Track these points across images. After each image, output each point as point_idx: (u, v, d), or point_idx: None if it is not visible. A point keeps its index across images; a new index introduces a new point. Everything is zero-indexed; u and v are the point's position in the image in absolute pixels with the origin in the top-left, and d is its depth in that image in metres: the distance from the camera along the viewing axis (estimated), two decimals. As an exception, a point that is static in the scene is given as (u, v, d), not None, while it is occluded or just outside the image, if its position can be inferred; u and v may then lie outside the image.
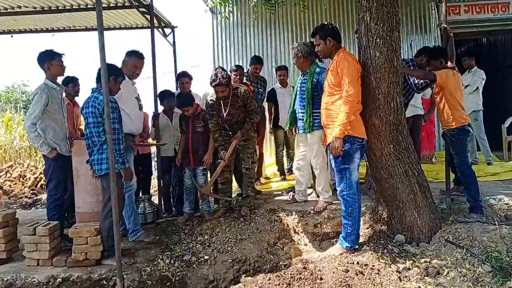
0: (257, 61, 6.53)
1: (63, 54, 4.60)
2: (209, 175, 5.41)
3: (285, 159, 7.33)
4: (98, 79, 3.99)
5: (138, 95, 5.10)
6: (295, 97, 5.08)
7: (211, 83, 4.79)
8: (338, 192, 4.09)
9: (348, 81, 3.78)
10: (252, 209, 5.14)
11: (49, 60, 4.49)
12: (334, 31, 4.10)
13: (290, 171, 7.21)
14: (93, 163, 3.95)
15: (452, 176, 5.22)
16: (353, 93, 3.77)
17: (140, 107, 4.80)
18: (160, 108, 5.64)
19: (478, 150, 7.43)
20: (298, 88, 4.99)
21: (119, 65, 4.50)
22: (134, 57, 4.67)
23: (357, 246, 3.99)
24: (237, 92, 4.99)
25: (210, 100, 5.04)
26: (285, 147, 7.14)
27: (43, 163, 4.73)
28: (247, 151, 5.24)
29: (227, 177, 5.23)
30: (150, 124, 5.64)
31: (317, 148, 4.82)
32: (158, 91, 5.62)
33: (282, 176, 7.15)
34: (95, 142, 3.92)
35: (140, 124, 4.76)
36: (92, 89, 4.05)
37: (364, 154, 4.31)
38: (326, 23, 4.31)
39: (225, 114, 4.99)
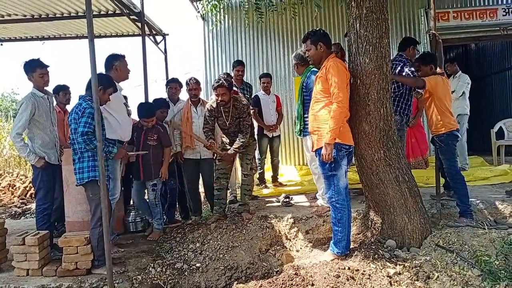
0: (238, 63, 6.56)
1: (48, 66, 4.56)
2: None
3: (269, 167, 7.32)
4: (88, 87, 3.99)
5: (126, 100, 5.11)
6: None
7: (213, 85, 4.86)
8: (327, 198, 4.10)
9: (338, 87, 3.79)
10: (252, 214, 5.15)
11: (31, 71, 4.48)
12: (325, 36, 4.12)
13: (276, 180, 7.22)
14: (75, 172, 3.95)
15: (442, 181, 5.26)
16: (342, 100, 3.78)
17: (129, 113, 4.78)
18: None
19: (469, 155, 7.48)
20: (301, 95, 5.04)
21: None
22: (123, 59, 4.65)
23: (348, 252, 4.00)
24: (237, 104, 5.00)
25: (210, 106, 5.05)
26: (269, 155, 7.13)
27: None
28: (246, 157, 5.27)
29: (223, 184, 5.23)
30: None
31: (312, 153, 4.83)
32: (150, 98, 5.61)
33: (263, 184, 7.13)
34: (76, 150, 3.90)
35: (129, 130, 4.74)
36: (79, 96, 4.04)
37: (354, 160, 4.34)
38: (317, 28, 4.33)
39: (227, 123, 5.03)
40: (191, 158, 5.52)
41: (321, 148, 3.88)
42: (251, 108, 6.43)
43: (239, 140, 5.02)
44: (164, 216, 5.58)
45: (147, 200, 5.09)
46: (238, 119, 5.05)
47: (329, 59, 4.00)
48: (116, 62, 4.60)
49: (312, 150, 4.28)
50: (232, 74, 6.53)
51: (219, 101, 4.90)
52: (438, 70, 4.99)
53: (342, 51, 5.71)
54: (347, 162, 3.99)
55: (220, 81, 4.81)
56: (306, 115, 4.75)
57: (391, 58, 4.32)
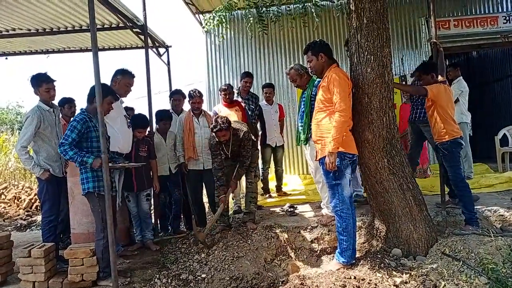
0: (246, 75, 6.60)
1: (54, 81, 4.63)
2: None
3: (274, 176, 7.33)
4: (88, 99, 4.04)
5: (133, 111, 5.16)
6: (299, 114, 5.15)
7: (212, 129, 4.85)
8: (331, 208, 4.11)
9: (340, 97, 3.82)
10: (257, 223, 5.15)
11: (38, 85, 4.55)
12: (325, 47, 4.17)
13: (280, 189, 7.22)
14: (81, 182, 3.99)
15: (447, 189, 5.25)
16: (344, 109, 3.80)
17: (129, 125, 4.83)
18: (155, 127, 5.65)
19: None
20: (300, 104, 5.07)
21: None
22: (127, 76, 4.73)
23: (354, 261, 3.99)
24: (237, 133, 5.02)
25: (212, 141, 5.06)
26: (273, 164, 7.14)
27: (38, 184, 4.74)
28: (250, 165, 5.25)
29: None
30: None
31: (316, 162, 4.84)
32: (153, 110, 5.65)
33: (267, 194, 7.14)
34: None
35: (129, 142, 4.77)
36: (81, 109, 4.10)
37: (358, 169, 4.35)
38: (317, 40, 4.37)
39: (228, 154, 5.06)
40: (195, 169, 5.53)
41: (325, 157, 3.90)
42: (254, 120, 6.49)
43: (240, 168, 5.08)
44: (169, 227, 5.61)
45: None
46: (239, 147, 5.07)
47: (331, 69, 4.04)
48: (119, 76, 4.70)
49: (316, 159, 4.29)
50: (240, 85, 6.58)
51: (222, 140, 4.92)
52: (440, 78, 5.01)
53: None
54: (351, 171, 4.00)
55: (218, 126, 4.76)
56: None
57: (392, 67, 4.33)
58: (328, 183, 4.03)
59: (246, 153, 5.05)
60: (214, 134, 4.88)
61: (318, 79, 4.88)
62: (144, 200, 5.08)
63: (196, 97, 5.56)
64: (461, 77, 7.30)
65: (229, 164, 5.18)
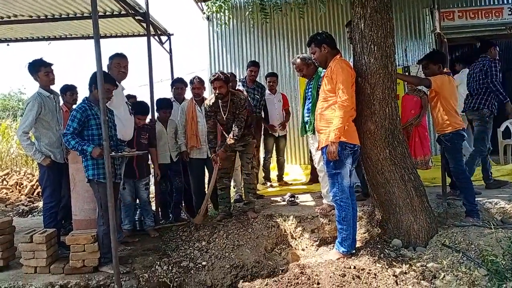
0: (251, 64, 6.57)
1: (51, 64, 4.62)
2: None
3: (275, 166, 7.34)
4: (90, 88, 4.05)
5: (135, 99, 5.15)
6: (304, 104, 5.13)
7: (210, 79, 4.92)
8: (331, 197, 4.12)
9: (342, 87, 3.83)
10: (258, 212, 5.16)
11: (36, 70, 4.53)
12: (328, 38, 4.16)
13: (281, 179, 7.22)
14: (84, 170, 4.03)
15: (448, 180, 5.25)
16: (347, 99, 3.81)
17: (131, 112, 4.82)
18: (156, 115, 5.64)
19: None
20: (306, 94, 5.05)
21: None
22: (116, 57, 4.70)
23: (354, 251, 4.01)
24: (234, 98, 5.02)
25: (208, 102, 5.08)
26: (275, 154, 7.14)
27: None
28: (246, 156, 5.24)
29: (226, 183, 5.24)
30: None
31: (319, 151, 4.83)
32: (155, 98, 5.63)
33: (269, 183, 7.15)
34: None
35: (131, 129, 4.77)
36: (83, 98, 4.12)
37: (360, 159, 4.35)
38: (320, 31, 4.36)
39: (224, 117, 5.02)
40: (198, 157, 5.53)
41: (326, 146, 3.91)
42: (258, 110, 6.47)
43: (233, 134, 4.97)
44: (170, 215, 5.63)
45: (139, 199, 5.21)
46: (234, 115, 5.05)
47: (335, 59, 4.04)
48: (108, 61, 4.70)
49: (318, 148, 4.29)
50: (245, 74, 6.56)
51: (217, 93, 4.92)
52: (444, 69, 4.97)
53: None
54: (351, 162, 4.00)
55: (217, 75, 4.87)
56: None
57: (395, 58, 4.31)
58: (328, 172, 4.05)
59: (239, 122, 4.99)
60: (212, 87, 4.94)
61: (324, 70, 4.87)
62: (143, 189, 5.10)
63: (196, 83, 5.56)
64: (464, 70, 7.26)
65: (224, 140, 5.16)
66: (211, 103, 5.05)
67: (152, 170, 6.02)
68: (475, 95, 5.63)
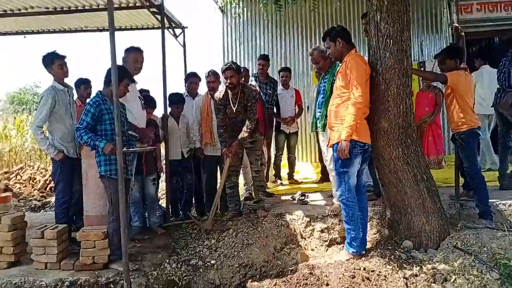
0: (260, 57, 6.55)
1: (65, 56, 4.62)
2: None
3: (286, 163, 7.29)
4: (105, 82, 4.04)
5: (148, 93, 5.15)
6: (316, 98, 5.06)
7: (222, 68, 4.91)
8: (338, 196, 4.08)
9: (356, 83, 3.77)
10: (267, 211, 5.14)
11: (50, 63, 4.54)
12: (343, 32, 4.10)
13: (291, 177, 7.17)
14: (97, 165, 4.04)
15: (462, 180, 5.15)
16: (360, 95, 3.75)
17: (143, 107, 4.82)
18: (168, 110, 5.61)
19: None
20: (319, 89, 4.97)
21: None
22: (134, 52, 4.66)
23: (364, 251, 3.97)
24: (246, 90, 5.01)
25: (219, 95, 5.05)
26: (286, 151, 7.10)
27: (53, 165, 4.78)
28: (255, 153, 5.19)
29: (234, 181, 5.21)
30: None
31: (330, 148, 4.77)
32: (168, 92, 5.61)
33: (279, 181, 7.09)
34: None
35: (143, 123, 4.78)
36: (97, 92, 4.11)
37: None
38: (335, 25, 4.29)
39: (234, 109, 4.99)
40: (212, 154, 5.50)
41: (337, 143, 3.86)
42: (270, 106, 6.41)
43: (246, 127, 4.95)
44: (180, 212, 5.63)
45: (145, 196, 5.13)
46: (246, 107, 5.02)
47: (350, 54, 3.97)
48: (124, 54, 4.68)
49: (329, 145, 4.23)
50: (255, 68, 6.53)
51: (227, 83, 4.89)
52: (462, 65, 4.86)
53: None
54: (361, 161, 3.95)
55: (228, 64, 4.87)
56: None
57: (411, 53, 4.23)
58: (336, 170, 4.02)
59: (252, 114, 4.98)
60: (223, 76, 4.92)
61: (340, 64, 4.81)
62: (151, 185, 5.06)
63: (211, 76, 5.51)
64: (483, 66, 7.11)
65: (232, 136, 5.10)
66: (221, 96, 5.02)
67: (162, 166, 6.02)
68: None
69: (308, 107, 7.73)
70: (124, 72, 4.14)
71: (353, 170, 3.90)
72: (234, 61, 5.24)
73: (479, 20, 9.22)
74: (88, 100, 5.88)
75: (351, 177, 3.90)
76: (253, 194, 5.43)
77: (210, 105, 5.47)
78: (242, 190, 5.84)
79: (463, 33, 5.15)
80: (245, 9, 9.58)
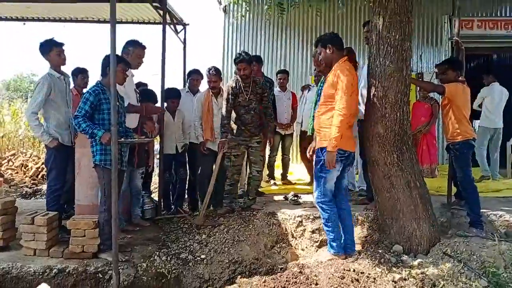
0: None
1: (63, 44, 4.60)
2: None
3: (279, 164, 7.30)
4: (103, 72, 4.06)
5: (146, 87, 5.15)
6: (316, 101, 5.07)
7: (235, 60, 5.03)
8: (314, 199, 4.09)
9: (342, 94, 3.74)
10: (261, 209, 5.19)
11: (48, 50, 4.51)
12: (334, 38, 4.04)
13: (285, 177, 7.18)
14: (92, 155, 4.02)
15: (454, 189, 5.19)
16: (344, 107, 3.71)
17: (138, 100, 4.83)
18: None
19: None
20: (318, 91, 4.96)
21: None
22: (139, 48, 4.73)
23: (348, 252, 3.99)
24: (256, 79, 5.17)
25: (232, 84, 5.10)
26: (281, 152, 7.11)
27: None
28: (259, 153, 5.28)
29: (236, 179, 5.23)
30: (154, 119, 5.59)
31: None
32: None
33: (272, 181, 7.11)
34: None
35: (136, 116, 4.81)
36: (97, 81, 4.11)
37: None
38: (328, 32, 4.29)
39: (247, 97, 5.08)
40: (210, 148, 5.48)
41: (320, 148, 3.92)
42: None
43: (270, 116, 5.30)
44: (172, 206, 5.62)
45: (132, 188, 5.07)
46: (258, 95, 5.14)
47: (340, 62, 3.93)
48: (130, 47, 4.70)
49: (314, 148, 4.22)
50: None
51: (242, 75, 5.00)
52: (460, 77, 4.91)
53: (352, 55, 5.60)
54: (342, 167, 3.97)
55: (241, 56, 4.99)
56: None
57: (411, 63, 4.26)
58: (315, 173, 4.05)
59: (268, 103, 5.29)
60: (237, 68, 5.04)
61: None
62: (139, 178, 5.03)
63: (212, 75, 5.48)
64: (494, 83, 7.39)
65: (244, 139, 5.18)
66: (234, 84, 5.08)
67: (156, 160, 6.01)
68: None
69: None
70: (120, 58, 4.14)
71: (331, 176, 3.92)
72: (247, 53, 5.20)
73: (479, 36, 9.31)
74: (85, 90, 5.90)
75: (328, 182, 3.93)
76: (249, 193, 5.40)
77: (211, 101, 5.47)
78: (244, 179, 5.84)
79: (463, 47, 5.19)
80: (247, 10, 9.60)
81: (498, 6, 9.53)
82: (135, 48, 4.69)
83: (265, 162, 6.84)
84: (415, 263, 3.76)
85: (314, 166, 4.09)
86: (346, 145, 3.90)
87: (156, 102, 5.24)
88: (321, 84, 4.94)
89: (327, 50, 4.00)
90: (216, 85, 5.51)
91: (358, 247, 4.20)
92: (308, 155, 4.46)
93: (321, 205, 3.98)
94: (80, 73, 5.82)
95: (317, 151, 4.02)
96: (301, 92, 7.08)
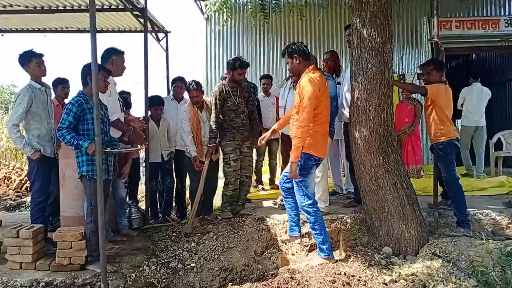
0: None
1: (42, 55, 4.54)
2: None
3: (267, 169, 7.30)
4: (83, 81, 4.01)
5: (129, 95, 5.10)
6: None
7: (236, 66, 5.02)
8: (299, 204, 4.15)
9: (305, 106, 3.82)
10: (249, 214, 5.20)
11: (27, 62, 4.45)
12: (300, 49, 4.09)
13: (273, 182, 7.18)
14: (77, 166, 3.96)
15: (440, 189, 5.25)
16: (304, 119, 3.82)
17: (122, 109, 4.79)
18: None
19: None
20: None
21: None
22: (121, 54, 4.66)
23: (294, 233, 4.22)
24: (242, 84, 5.24)
25: (219, 89, 5.09)
26: (267, 157, 7.11)
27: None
28: (249, 159, 5.30)
29: (237, 183, 5.17)
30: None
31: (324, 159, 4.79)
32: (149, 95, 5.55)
33: (260, 186, 7.12)
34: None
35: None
36: (78, 91, 4.05)
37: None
38: (293, 42, 4.31)
39: (236, 102, 5.10)
40: (202, 161, 5.40)
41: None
42: None
43: (255, 120, 5.37)
44: (160, 215, 5.56)
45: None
46: (245, 99, 5.21)
47: (306, 73, 3.99)
48: (114, 56, 4.62)
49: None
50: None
51: (240, 79, 5.10)
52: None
53: (336, 59, 5.65)
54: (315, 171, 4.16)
55: (244, 62, 5.06)
56: None
57: (392, 65, 4.32)
58: (294, 180, 4.08)
59: (253, 107, 5.37)
60: (239, 72, 5.05)
61: (328, 77, 4.84)
62: (122, 187, 4.95)
63: (194, 90, 5.25)
64: (475, 83, 7.63)
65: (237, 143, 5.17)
66: (221, 89, 5.10)
67: (142, 169, 5.95)
68: None
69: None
70: (98, 65, 4.08)
71: (310, 180, 4.06)
72: (218, 70, 5.25)
73: (458, 36, 9.46)
74: (66, 100, 5.82)
75: (309, 185, 4.05)
76: (238, 198, 5.36)
77: (197, 116, 5.31)
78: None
79: (442, 48, 5.26)
80: (230, 15, 9.60)
81: (475, 6, 9.70)
82: (118, 56, 4.64)
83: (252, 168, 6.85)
84: (405, 264, 3.80)
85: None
86: (320, 152, 4.04)
87: (130, 107, 5.17)
88: None
89: (294, 61, 4.08)
90: (199, 100, 5.33)
91: (348, 250, 4.23)
92: (259, 143, 4.66)
93: (306, 208, 4.04)
94: (61, 84, 5.74)
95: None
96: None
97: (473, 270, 3.53)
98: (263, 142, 4.62)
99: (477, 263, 3.58)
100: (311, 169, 4.03)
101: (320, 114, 3.95)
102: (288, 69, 4.30)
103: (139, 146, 4.85)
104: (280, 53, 9.29)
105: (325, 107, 4.02)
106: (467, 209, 4.67)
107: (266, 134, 4.53)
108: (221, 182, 5.61)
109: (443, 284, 3.41)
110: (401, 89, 7.08)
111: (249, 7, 6.56)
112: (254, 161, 6.79)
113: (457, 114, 6.57)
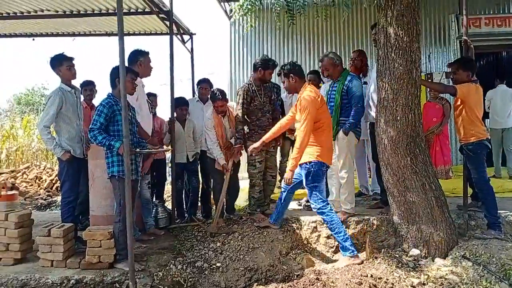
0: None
1: (73, 58, 4.65)
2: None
3: None
4: (112, 84, 4.09)
5: (155, 97, 5.18)
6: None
7: (269, 65, 5.07)
8: (313, 208, 4.35)
9: (304, 120, 4.12)
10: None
11: (58, 65, 4.56)
12: (294, 68, 4.40)
13: None
14: (107, 166, 4.04)
15: (470, 191, 5.12)
16: (304, 132, 4.12)
17: (150, 110, 4.86)
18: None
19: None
20: (328, 96, 4.95)
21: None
22: (147, 55, 4.76)
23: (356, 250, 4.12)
24: (268, 83, 5.31)
25: (245, 87, 5.11)
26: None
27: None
28: (274, 158, 5.34)
29: (262, 184, 5.17)
30: (164, 129, 5.61)
31: (344, 156, 4.78)
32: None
33: None
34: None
35: (150, 126, 4.83)
36: (108, 94, 4.13)
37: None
38: (288, 63, 4.58)
39: (261, 101, 5.14)
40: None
41: (305, 162, 4.25)
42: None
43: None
44: (186, 214, 5.63)
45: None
46: (269, 98, 5.25)
47: (303, 89, 4.31)
48: (141, 57, 4.71)
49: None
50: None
51: (269, 79, 5.19)
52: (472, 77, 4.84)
53: (363, 58, 5.59)
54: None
55: (275, 62, 5.16)
56: (341, 118, 4.80)
57: (420, 64, 4.25)
58: (307, 185, 4.31)
59: (274, 106, 5.36)
60: (268, 72, 5.08)
61: (351, 75, 4.86)
62: (146, 188, 5.01)
63: (219, 100, 5.14)
64: (500, 85, 7.62)
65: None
66: (248, 88, 5.11)
67: (168, 169, 6.02)
68: None
69: None
70: (126, 68, 4.14)
71: (322, 183, 4.34)
72: (242, 71, 5.34)
73: (487, 34, 9.23)
74: (94, 102, 5.96)
75: (323, 190, 4.33)
76: (264, 198, 5.35)
77: (222, 124, 5.28)
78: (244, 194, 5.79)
79: (472, 46, 5.14)
80: (256, 17, 9.62)
81: (505, 3, 9.44)
82: (144, 57, 4.73)
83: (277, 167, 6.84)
84: (434, 267, 3.73)
85: (304, 179, 4.33)
86: (329, 160, 4.36)
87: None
88: (332, 90, 4.93)
89: (290, 80, 4.39)
90: (224, 109, 5.25)
91: (375, 252, 4.18)
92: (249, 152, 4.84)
93: (320, 211, 4.25)
94: (87, 86, 5.87)
95: (304, 165, 4.28)
96: None
97: (504, 273, 3.45)
98: (254, 153, 4.84)
99: (509, 266, 3.50)
100: (323, 175, 4.38)
101: (323, 124, 4.26)
102: (284, 88, 4.62)
103: (165, 147, 4.91)
104: (303, 55, 9.46)
105: (327, 118, 4.34)
106: (498, 211, 4.54)
107: (256, 145, 4.72)
108: (242, 183, 5.71)
109: (473, 287, 3.33)
110: (428, 89, 6.96)
111: (277, 7, 6.54)
112: (278, 162, 6.81)
113: (486, 113, 6.43)
